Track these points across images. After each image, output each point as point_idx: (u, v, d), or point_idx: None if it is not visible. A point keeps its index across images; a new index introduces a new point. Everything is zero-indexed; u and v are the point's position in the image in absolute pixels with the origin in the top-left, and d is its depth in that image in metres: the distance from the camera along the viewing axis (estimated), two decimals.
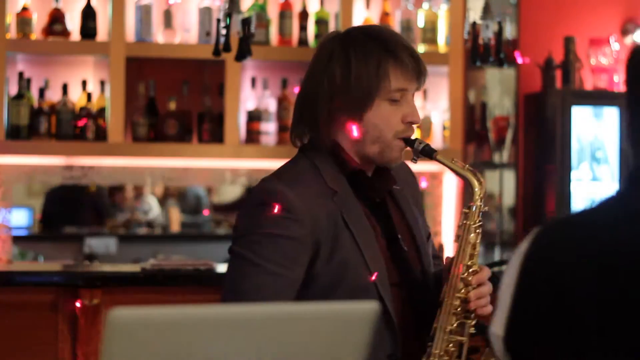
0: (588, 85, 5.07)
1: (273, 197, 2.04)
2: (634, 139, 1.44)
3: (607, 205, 1.43)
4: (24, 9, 4.39)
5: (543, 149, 4.96)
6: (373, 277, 2.05)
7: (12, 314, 3.32)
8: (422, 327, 2.11)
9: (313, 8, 4.60)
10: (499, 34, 3.90)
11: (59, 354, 3.32)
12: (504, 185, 4.96)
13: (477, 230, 2.11)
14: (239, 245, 2.07)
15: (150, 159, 4.52)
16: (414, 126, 2.14)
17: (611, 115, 5.02)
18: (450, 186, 4.81)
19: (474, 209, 2.12)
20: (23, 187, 7.27)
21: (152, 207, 7.90)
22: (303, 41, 4.53)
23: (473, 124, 4.89)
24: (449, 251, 4.59)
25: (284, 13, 4.54)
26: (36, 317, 3.32)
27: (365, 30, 2.17)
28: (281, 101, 4.53)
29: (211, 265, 3.51)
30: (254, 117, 4.50)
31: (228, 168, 4.72)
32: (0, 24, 4.30)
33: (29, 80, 4.42)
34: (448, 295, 2.08)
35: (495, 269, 3.23)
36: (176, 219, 8.01)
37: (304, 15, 4.54)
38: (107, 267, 3.80)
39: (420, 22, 4.62)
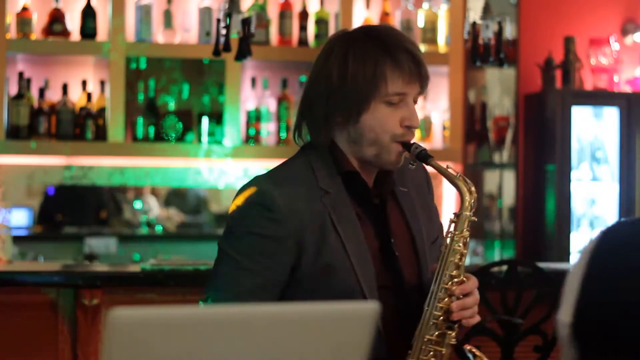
0: (588, 85, 5.07)
1: (256, 196, 2.04)
2: None
3: None
4: (24, 9, 4.39)
5: (543, 149, 4.96)
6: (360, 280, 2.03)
7: (12, 314, 3.32)
8: (409, 332, 2.07)
9: (313, 8, 4.60)
10: (499, 34, 3.90)
11: (59, 354, 3.32)
12: (504, 185, 4.95)
13: (465, 240, 2.07)
14: (223, 240, 2.12)
15: (150, 159, 4.52)
16: (414, 130, 2.10)
17: (611, 115, 5.02)
18: (450, 186, 4.80)
19: (462, 217, 2.09)
20: (23, 187, 7.26)
21: (152, 207, 7.89)
22: (303, 41, 4.53)
23: (473, 124, 4.89)
24: None
25: (284, 13, 4.54)
26: (36, 317, 3.32)
27: (368, 30, 2.12)
28: (281, 101, 4.53)
29: (211, 265, 3.50)
30: (254, 117, 4.51)
31: (228, 168, 4.73)
32: (0, 24, 4.30)
33: (29, 80, 4.42)
34: (429, 304, 2.04)
35: (496, 269, 3.24)
36: (176, 219, 8.00)
37: (304, 15, 4.54)
38: (107, 267, 3.80)
39: (420, 22, 4.62)
